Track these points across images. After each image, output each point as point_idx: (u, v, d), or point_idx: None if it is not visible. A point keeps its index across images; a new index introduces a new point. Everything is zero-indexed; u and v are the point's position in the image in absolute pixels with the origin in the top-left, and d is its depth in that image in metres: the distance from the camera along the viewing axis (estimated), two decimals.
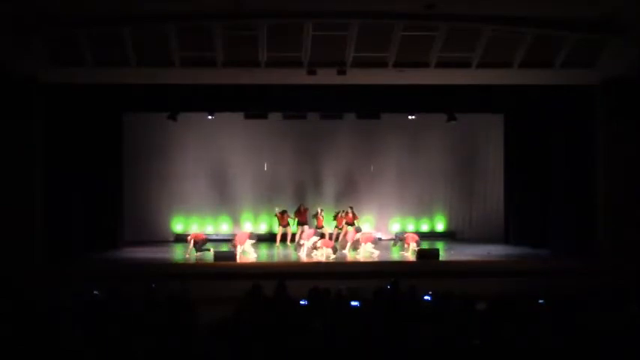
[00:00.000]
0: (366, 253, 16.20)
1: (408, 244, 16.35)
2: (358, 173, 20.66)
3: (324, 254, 15.69)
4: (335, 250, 15.86)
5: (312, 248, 16.02)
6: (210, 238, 17.21)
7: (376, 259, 15.71)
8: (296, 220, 18.54)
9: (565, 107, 16.50)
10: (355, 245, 16.63)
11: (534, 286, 9.58)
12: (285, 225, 18.54)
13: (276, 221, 18.74)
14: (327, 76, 14.87)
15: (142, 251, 17.31)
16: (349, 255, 16.39)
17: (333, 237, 18.10)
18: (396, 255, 16.61)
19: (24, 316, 7.28)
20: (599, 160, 15.57)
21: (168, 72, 14.74)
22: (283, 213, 18.55)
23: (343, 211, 18.49)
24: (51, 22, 13.63)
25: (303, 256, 16.10)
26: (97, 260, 15.91)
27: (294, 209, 18.87)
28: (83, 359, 5.95)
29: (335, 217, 18.46)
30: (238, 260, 15.14)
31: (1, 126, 14.44)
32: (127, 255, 16.76)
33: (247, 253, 15.85)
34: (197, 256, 15.86)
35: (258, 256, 15.91)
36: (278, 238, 18.63)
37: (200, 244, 16.01)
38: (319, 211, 18.24)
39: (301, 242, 16.53)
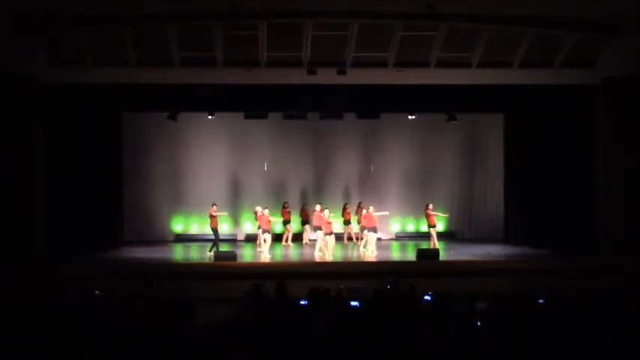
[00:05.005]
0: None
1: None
2: (358, 173, 20.67)
3: None
4: None
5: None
6: (209, 238, 17.21)
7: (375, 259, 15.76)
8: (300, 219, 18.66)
9: (565, 107, 16.49)
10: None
11: (534, 286, 9.55)
12: (288, 221, 18.58)
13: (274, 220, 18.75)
14: (327, 76, 14.89)
15: (142, 251, 17.30)
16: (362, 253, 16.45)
17: (345, 236, 18.30)
18: (396, 255, 16.61)
19: (24, 316, 7.27)
20: (600, 160, 15.56)
21: (168, 72, 14.76)
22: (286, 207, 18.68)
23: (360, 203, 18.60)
24: (51, 22, 13.63)
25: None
26: (97, 260, 15.91)
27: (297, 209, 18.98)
28: (83, 359, 5.95)
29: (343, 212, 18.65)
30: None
31: (1, 126, 14.44)
32: (127, 255, 16.76)
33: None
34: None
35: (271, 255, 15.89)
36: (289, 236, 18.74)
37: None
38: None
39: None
